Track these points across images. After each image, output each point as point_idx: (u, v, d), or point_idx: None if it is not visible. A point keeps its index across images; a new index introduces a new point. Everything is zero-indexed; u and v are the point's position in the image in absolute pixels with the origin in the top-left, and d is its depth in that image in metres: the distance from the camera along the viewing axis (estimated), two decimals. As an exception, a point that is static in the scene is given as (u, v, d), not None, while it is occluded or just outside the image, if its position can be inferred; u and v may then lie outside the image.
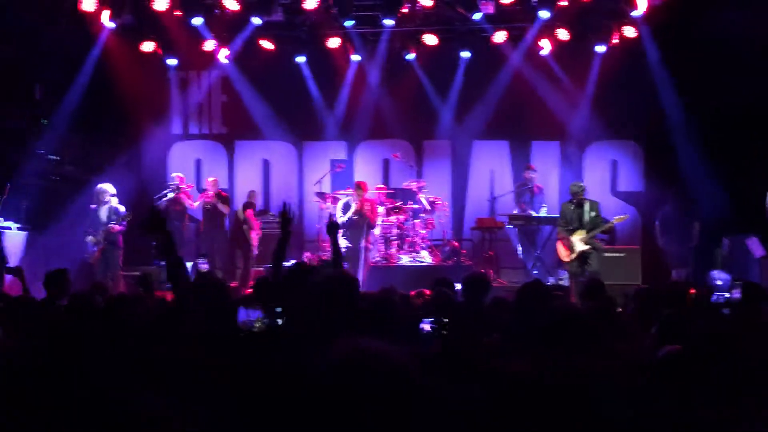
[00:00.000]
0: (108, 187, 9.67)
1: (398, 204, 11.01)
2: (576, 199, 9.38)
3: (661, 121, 11.10)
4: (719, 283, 8.15)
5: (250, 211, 10.98)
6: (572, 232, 9.28)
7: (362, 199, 10.26)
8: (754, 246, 9.24)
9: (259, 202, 11.57)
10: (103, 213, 9.55)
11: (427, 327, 3.48)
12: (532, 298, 4.64)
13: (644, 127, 11.50)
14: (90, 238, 9.48)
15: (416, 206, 11.08)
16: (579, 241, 9.23)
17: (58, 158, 10.84)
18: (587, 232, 9.21)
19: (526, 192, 10.98)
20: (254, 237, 10.91)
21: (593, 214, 9.32)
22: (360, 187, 10.37)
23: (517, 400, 2.18)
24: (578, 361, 2.83)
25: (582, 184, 9.57)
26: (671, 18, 10.25)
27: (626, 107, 11.30)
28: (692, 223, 10.32)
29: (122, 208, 9.63)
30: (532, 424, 2.10)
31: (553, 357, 3.07)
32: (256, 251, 10.85)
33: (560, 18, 10.70)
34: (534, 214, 10.72)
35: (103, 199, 9.56)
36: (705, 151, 10.62)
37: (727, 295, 7.69)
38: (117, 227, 9.46)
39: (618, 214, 9.86)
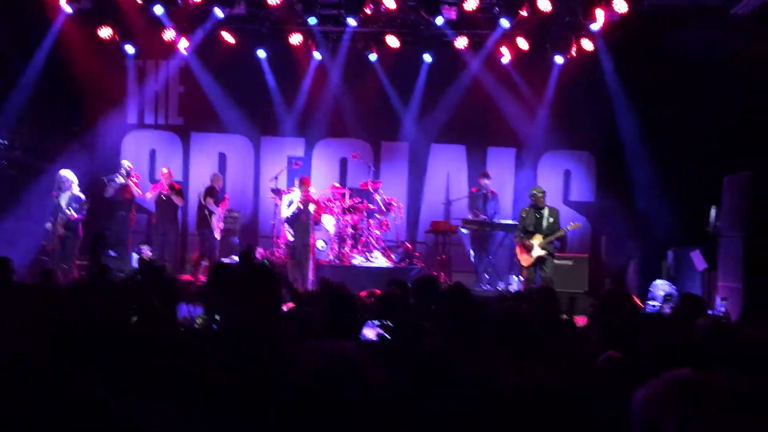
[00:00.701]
0: (69, 175, 9.53)
1: (354, 203, 11.04)
2: (536, 204, 9.53)
3: (614, 134, 11.37)
4: (661, 293, 8.39)
5: (210, 200, 10.84)
6: (530, 236, 9.42)
7: (306, 194, 10.27)
8: (697, 259, 9.53)
9: (220, 187, 11.37)
10: (64, 200, 9.40)
11: (370, 334, 3.47)
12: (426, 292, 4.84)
13: (598, 139, 11.76)
14: (49, 225, 9.32)
15: (372, 206, 11.12)
16: (537, 246, 9.38)
17: (6, 143, 10.56)
18: (544, 238, 9.37)
19: (480, 197, 11.11)
20: (216, 223, 10.80)
21: (551, 220, 9.48)
22: (303, 183, 10.40)
23: (472, 403, 2.23)
24: (527, 364, 2.90)
25: (542, 188, 9.72)
26: (627, 34, 10.53)
27: (582, 118, 11.54)
28: (637, 238, 10.68)
29: (83, 196, 9.50)
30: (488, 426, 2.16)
31: (502, 360, 3.14)
32: (218, 237, 10.79)
33: (521, 27, 10.86)
34: (487, 219, 10.85)
35: (64, 187, 9.41)
36: (654, 164, 10.92)
37: (657, 305, 7.92)
38: (77, 215, 9.32)
39: (571, 222, 10.06)
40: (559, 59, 11.28)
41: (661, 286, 8.63)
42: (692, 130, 10.39)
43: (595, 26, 10.51)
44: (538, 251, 9.39)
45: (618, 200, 11.34)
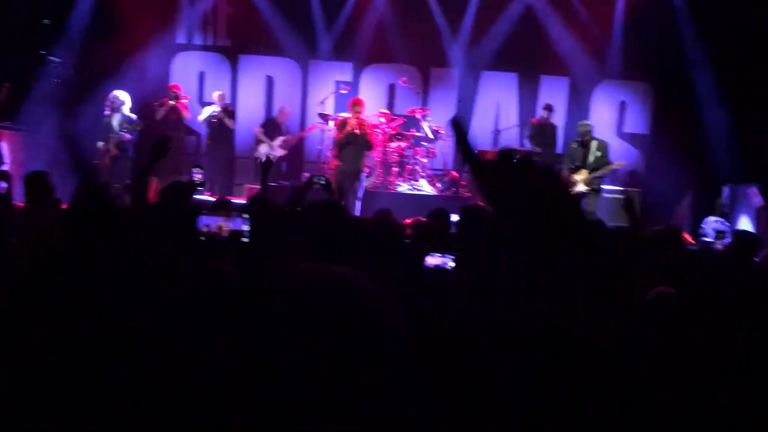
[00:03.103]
0: (121, 95, 9.57)
1: (401, 130, 10.91)
2: (582, 138, 9.28)
3: (675, 64, 10.88)
4: (711, 230, 8.18)
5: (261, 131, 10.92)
6: (575, 170, 9.22)
7: (358, 117, 9.65)
8: (754, 195, 9.22)
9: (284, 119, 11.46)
10: (116, 120, 9.47)
11: (435, 261, 3.45)
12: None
13: (657, 69, 11.26)
14: (101, 144, 9.43)
15: (419, 134, 10.98)
16: (580, 182, 9.19)
17: (60, 60, 10.64)
18: (590, 173, 9.16)
19: (540, 130, 10.83)
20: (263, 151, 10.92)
21: (599, 154, 9.24)
22: (357, 104, 9.72)
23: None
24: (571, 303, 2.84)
25: (589, 123, 9.45)
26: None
27: (641, 48, 11.04)
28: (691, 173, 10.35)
29: (134, 117, 9.57)
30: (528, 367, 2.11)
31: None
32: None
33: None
34: (540, 151, 10.64)
35: (116, 107, 9.47)
36: (716, 97, 10.46)
37: (709, 242, 7.71)
38: (128, 136, 9.42)
39: (619, 160, 9.80)
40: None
41: (713, 223, 8.42)
42: (761, 66, 9.87)
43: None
44: (580, 187, 9.21)
45: (674, 134, 10.95)
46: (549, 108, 10.90)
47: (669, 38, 10.77)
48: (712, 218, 8.59)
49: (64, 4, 10.64)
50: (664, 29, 10.75)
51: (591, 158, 9.22)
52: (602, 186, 9.55)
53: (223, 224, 4.42)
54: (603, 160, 9.23)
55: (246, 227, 4.48)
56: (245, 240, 4.37)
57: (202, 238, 4.37)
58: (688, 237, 6.53)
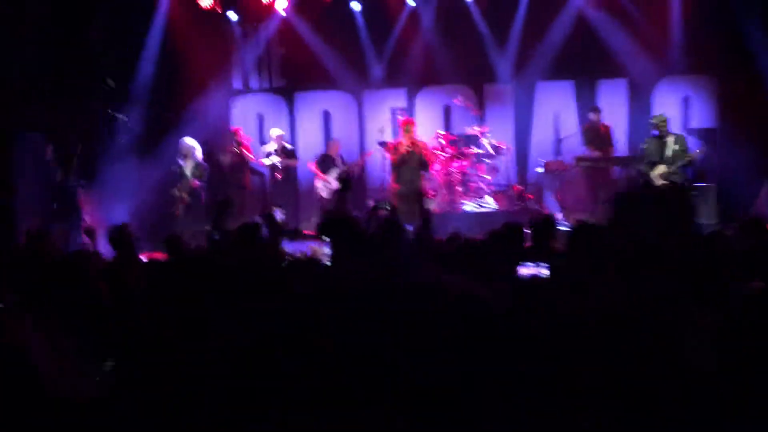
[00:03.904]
0: (192, 142, 9.90)
1: (461, 149, 10.86)
2: (660, 132, 9.11)
3: (738, 53, 10.53)
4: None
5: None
6: (653, 166, 9.02)
7: (411, 137, 9.63)
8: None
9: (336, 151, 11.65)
10: (189, 168, 9.78)
11: (527, 271, 3.42)
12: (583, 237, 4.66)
13: (719, 61, 10.92)
14: (175, 191, 9.74)
15: (480, 151, 10.92)
16: (658, 177, 8.97)
17: (127, 118, 11.05)
18: (669, 166, 8.94)
19: (593, 133, 10.73)
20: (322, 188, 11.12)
21: (677, 147, 9.03)
22: (408, 123, 9.76)
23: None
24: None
25: (664, 116, 9.26)
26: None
27: (699, 40, 10.75)
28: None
29: (204, 163, 9.88)
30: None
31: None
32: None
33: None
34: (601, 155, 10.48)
35: (189, 154, 9.79)
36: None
37: None
38: (198, 182, 9.71)
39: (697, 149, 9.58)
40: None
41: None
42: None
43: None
44: (659, 181, 8.99)
45: (743, 125, 10.59)
46: (596, 110, 10.77)
47: (729, 27, 10.45)
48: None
49: (127, 64, 11.05)
50: (724, 18, 10.44)
51: (668, 152, 9.02)
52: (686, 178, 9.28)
53: (318, 248, 4.53)
54: (682, 153, 9.01)
55: (327, 250, 4.54)
56: (327, 263, 4.43)
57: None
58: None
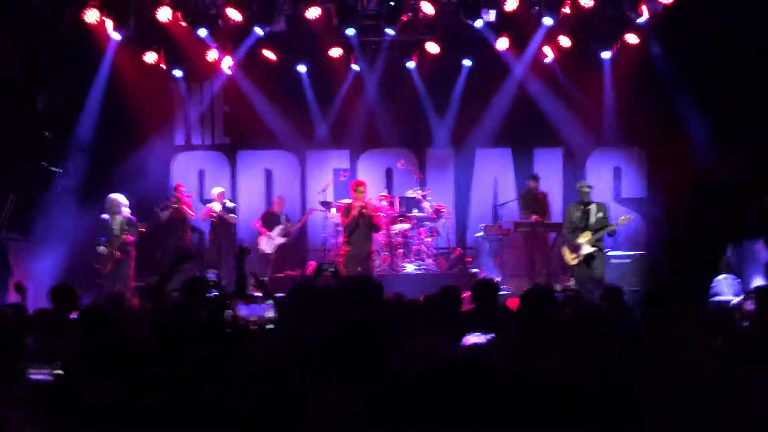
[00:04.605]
0: (120, 198, 9.68)
1: (403, 212, 11.00)
2: (582, 200, 9.42)
3: (665, 127, 11.11)
4: (726, 289, 8.11)
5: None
6: (578, 234, 9.30)
7: (363, 200, 9.63)
8: (761, 251, 9.25)
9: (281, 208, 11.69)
10: (116, 224, 9.54)
11: (474, 339, 3.45)
12: (536, 304, 4.72)
13: (648, 133, 11.50)
14: (102, 248, 9.46)
15: (421, 214, 11.07)
16: (585, 243, 9.25)
17: (61, 170, 10.80)
18: (593, 234, 9.24)
19: (530, 199, 11.05)
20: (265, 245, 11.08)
21: (600, 215, 9.36)
22: (359, 185, 9.70)
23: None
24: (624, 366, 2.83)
25: (588, 185, 9.61)
26: (675, 21, 10.30)
27: (630, 114, 11.35)
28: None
29: (134, 218, 9.66)
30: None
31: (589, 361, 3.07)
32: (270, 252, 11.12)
33: (564, 24, 10.75)
34: (539, 220, 10.77)
35: (116, 210, 9.56)
36: (712, 155, 10.58)
37: (726, 300, 7.59)
38: (131, 237, 9.48)
39: (622, 216, 9.95)
40: (606, 54, 11.14)
41: (725, 281, 8.38)
42: (751, 115, 10.08)
43: (642, 19, 10.33)
44: (587, 249, 9.27)
45: (671, 195, 11.10)
46: (535, 177, 11.14)
47: (658, 102, 11.04)
48: (722, 276, 8.55)
49: (66, 117, 10.86)
50: (653, 93, 11.04)
51: (593, 219, 9.35)
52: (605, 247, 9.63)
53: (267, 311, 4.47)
54: (604, 221, 9.37)
55: (272, 314, 4.49)
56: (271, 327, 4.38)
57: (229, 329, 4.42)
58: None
